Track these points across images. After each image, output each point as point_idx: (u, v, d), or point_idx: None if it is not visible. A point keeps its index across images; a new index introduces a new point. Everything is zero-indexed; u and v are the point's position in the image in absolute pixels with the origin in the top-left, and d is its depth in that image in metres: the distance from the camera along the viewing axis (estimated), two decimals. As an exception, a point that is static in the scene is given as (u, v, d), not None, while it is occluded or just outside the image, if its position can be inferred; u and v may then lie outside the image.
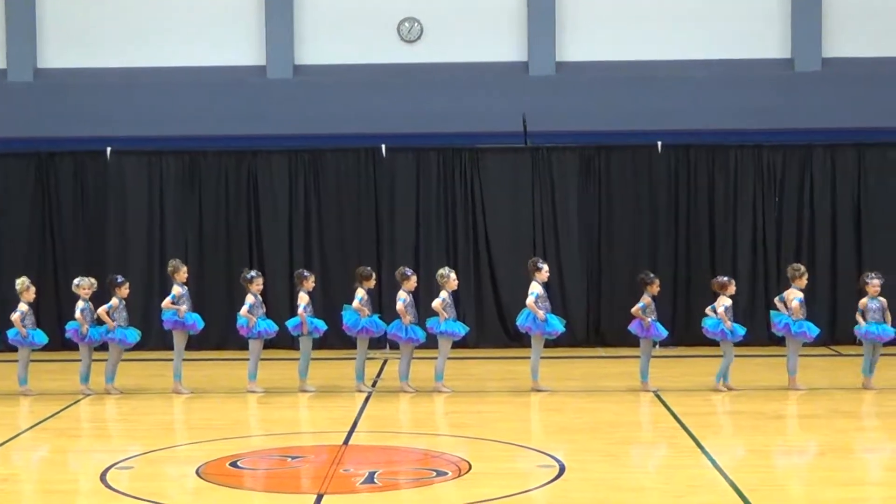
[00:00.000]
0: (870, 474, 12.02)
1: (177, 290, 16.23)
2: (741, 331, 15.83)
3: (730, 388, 15.78)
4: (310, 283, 16.37)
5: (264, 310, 16.42)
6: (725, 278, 16.15)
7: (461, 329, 16.22)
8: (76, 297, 16.19)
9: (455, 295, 16.36)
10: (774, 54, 21.87)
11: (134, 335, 16.23)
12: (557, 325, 16.07)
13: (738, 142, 20.83)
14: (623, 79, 21.54)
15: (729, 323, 15.66)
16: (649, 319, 15.83)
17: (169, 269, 16.60)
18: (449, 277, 16.13)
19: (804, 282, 16.07)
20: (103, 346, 16.32)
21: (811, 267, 19.91)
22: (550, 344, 16.63)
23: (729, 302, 15.85)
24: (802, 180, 20.72)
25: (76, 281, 16.28)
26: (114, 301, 16.06)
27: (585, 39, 21.93)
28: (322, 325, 16.41)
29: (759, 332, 17.25)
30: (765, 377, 16.79)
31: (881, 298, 16.00)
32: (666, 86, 21.42)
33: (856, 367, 16.62)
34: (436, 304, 15.93)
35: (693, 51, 21.76)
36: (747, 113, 21.18)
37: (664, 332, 16.11)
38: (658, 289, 16.10)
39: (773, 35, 21.85)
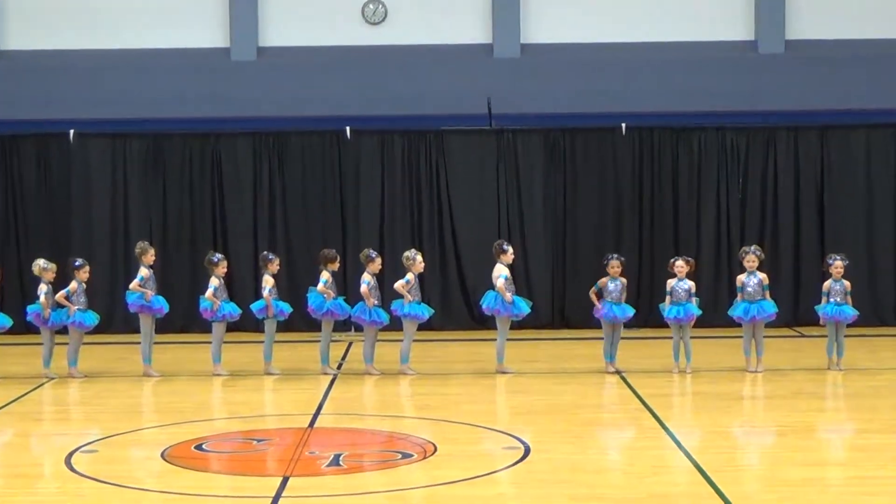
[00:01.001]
0: (832, 455, 12.10)
1: (144, 272, 16.17)
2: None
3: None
4: (274, 265, 16.34)
5: (226, 293, 16.40)
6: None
7: (426, 311, 16.23)
8: (39, 281, 16.12)
9: (420, 277, 16.37)
10: (738, 36, 21.91)
11: (92, 318, 16.16)
12: (524, 307, 16.12)
13: (702, 124, 20.92)
14: (588, 61, 21.56)
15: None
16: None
17: (136, 251, 16.53)
18: (415, 260, 16.12)
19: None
20: (64, 330, 16.27)
21: (774, 248, 20.11)
22: (515, 326, 16.69)
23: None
24: (766, 162, 20.83)
25: (42, 264, 16.18)
26: (73, 284, 15.98)
27: (550, 21, 21.93)
28: (287, 308, 16.40)
29: (721, 313, 17.31)
30: (726, 359, 16.84)
31: (844, 280, 16.09)
32: (630, 68, 21.46)
33: (819, 349, 16.72)
34: (398, 285, 15.93)
35: (657, 33, 21.78)
36: (711, 95, 21.23)
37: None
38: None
39: (737, 17, 21.90)
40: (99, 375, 16.30)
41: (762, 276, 16.02)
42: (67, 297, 15.89)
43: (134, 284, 16.13)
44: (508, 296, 15.95)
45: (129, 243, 19.99)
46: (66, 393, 15.37)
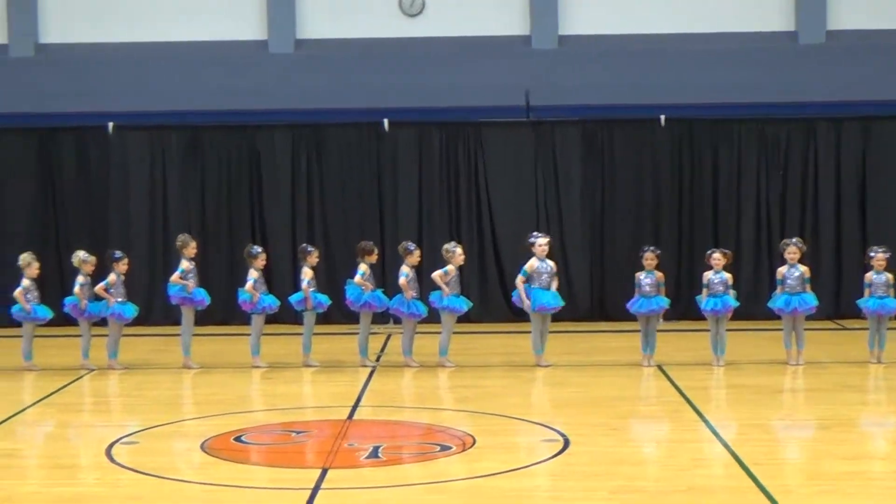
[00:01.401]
0: (874, 448, 12.06)
1: (185, 264, 16.26)
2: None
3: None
4: (313, 258, 16.40)
5: (265, 286, 16.46)
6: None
7: (464, 304, 16.25)
8: (78, 272, 16.23)
9: (459, 270, 16.37)
10: (778, 27, 21.81)
11: (131, 310, 16.27)
12: (554, 301, 16.06)
13: (742, 115, 20.83)
14: (626, 52, 21.50)
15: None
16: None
17: (178, 243, 16.61)
18: (455, 252, 16.13)
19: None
20: (103, 322, 16.37)
21: (815, 241, 20.01)
22: (554, 318, 16.62)
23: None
24: (806, 154, 20.74)
25: (82, 256, 16.29)
26: (111, 277, 16.09)
27: (588, 13, 21.88)
28: (325, 300, 16.45)
29: (761, 305, 17.24)
30: (766, 352, 16.80)
31: (887, 273, 16.00)
32: (669, 59, 21.38)
33: (861, 342, 16.65)
34: (435, 274, 15.96)
35: (696, 24, 21.70)
36: (751, 86, 21.12)
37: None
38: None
39: (777, 8, 21.80)
40: (138, 367, 16.40)
41: (804, 268, 15.96)
42: (106, 290, 16.00)
43: (175, 277, 16.22)
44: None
45: (168, 236, 20.12)
46: (106, 384, 15.47)
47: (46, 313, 16.33)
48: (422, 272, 16.98)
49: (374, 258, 16.37)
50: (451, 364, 16.08)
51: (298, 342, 16.48)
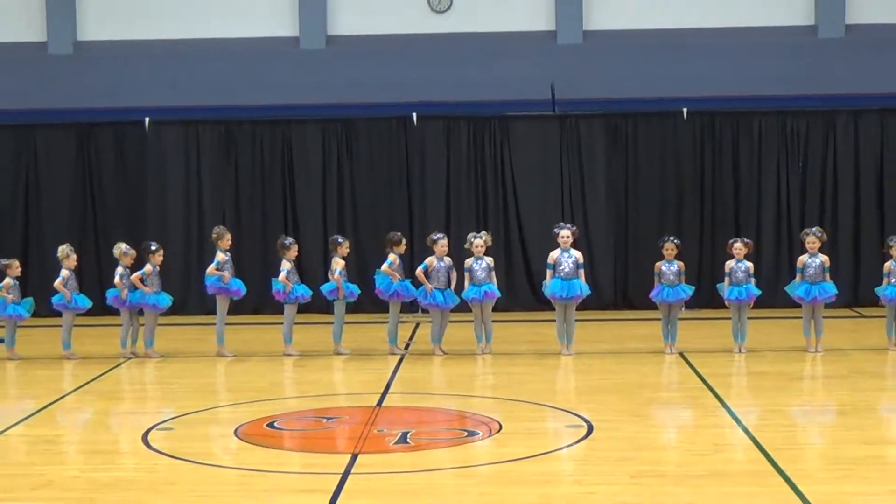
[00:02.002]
0: (893, 433, 12.04)
1: (221, 256, 16.32)
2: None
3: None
4: (344, 248, 16.43)
5: (297, 276, 16.51)
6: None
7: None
8: (118, 263, 16.31)
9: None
10: (798, 21, 21.73)
11: (166, 300, 16.35)
12: (563, 291, 16.04)
13: (763, 108, 20.78)
14: (649, 46, 21.46)
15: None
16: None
17: (213, 235, 16.66)
18: (472, 243, 16.17)
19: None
20: (140, 312, 16.45)
21: (834, 230, 19.95)
22: (580, 307, 16.60)
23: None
24: (826, 145, 20.68)
25: (123, 248, 16.37)
26: (147, 267, 16.16)
27: (612, 8, 21.84)
28: (356, 290, 16.48)
29: (782, 294, 17.19)
30: (786, 339, 16.77)
31: (904, 262, 15.96)
32: (691, 53, 21.33)
33: (879, 329, 16.60)
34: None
35: (717, 18, 21.65)
36: (771, 79, 21.07)
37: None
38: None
39: (797, 2, 21.71)
40: (174, 355, 16.46)
41: (824, 258, 15.91)
42: (142, 280, 16.07)
43: (211, 268, 16.28)
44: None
45: (203, 228, 20.20)
46: (143, 372, 15.54)
47: (85, 303, 16.43)
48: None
49: (402, 248, 16.38)
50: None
51: (329, 331, 16.52)
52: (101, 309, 17.31)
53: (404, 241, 16.52)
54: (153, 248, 16.34)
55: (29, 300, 16.41)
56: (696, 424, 12.20)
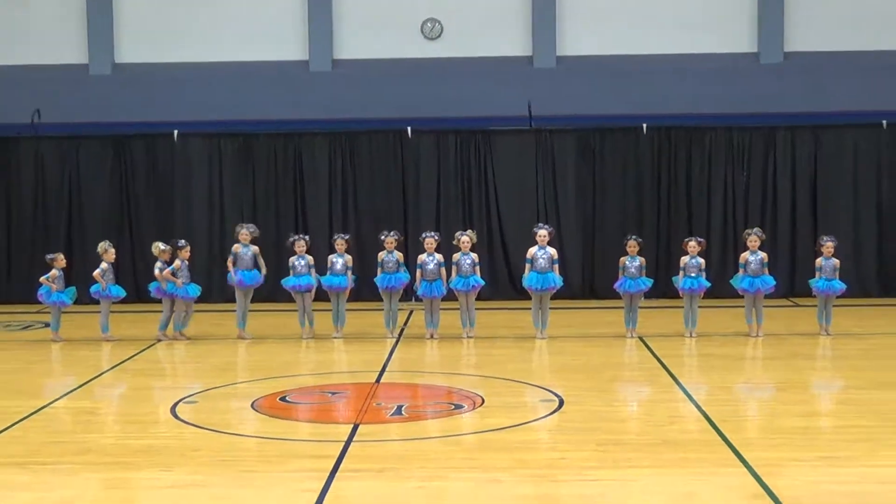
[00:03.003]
0: (822, 407, 12.07)
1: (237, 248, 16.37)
2: None
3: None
4: (340, 244, 16.42)
5: (294, 269, 16.41)
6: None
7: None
8: (154, 258, 16.30)
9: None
10: (743, 49, 21.76)
11: (195, 290, 16.33)
12: (538, 282, 16.01)
13: (712, 124, 20.79)
14: (614, 70, 21.47)
15: None
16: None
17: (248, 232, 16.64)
18: (459, 240, 16.14)
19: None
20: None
21: (773, 231, 20.00)
22: (553, 297, 16.58)
23: None
24: (767, 157, 20.71)
25: (161, 246, 16.37)
26: (177, 262, 16.15)
27: (582, 37, 21.84)
28: (347, 281, 16.35)
29: (727, 286, 17.21)
30: (731, 326, 16.78)
31: (834, 258, 15.99)
32: (650, 76, 21.34)
33: (811, 317, 16.64)
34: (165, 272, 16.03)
35: (673, 46, 21.66)
36: (720, 100, 21.10)
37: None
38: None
39: (742, 32, 21.74)
40: (200, 339, 16.45)
41: (763, 254, 15.95)
42: (173, 273, 16.05)
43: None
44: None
45: (224, 227, 20.20)
46: (172, 353, 15.53)
47: (120, 292, 16.40)
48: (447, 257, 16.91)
49: (392, 245, 16.24)
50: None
51: (329, 317, 16.45)
52: (136, 297, 17.28)
53: (396, 239, 16.32)
54: (181, 244, 16.33)
55: (72, 289, 16.38)
56: (653, 399, 12.22)
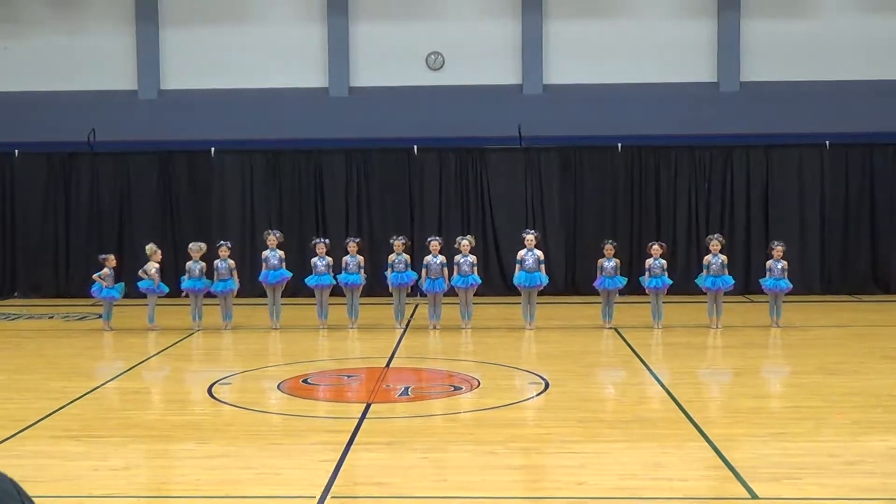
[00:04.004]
0: (773, 389, 12.07)
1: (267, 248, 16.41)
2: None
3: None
4: (353, 246, 16.42)
5: (316, 269, 16.38)
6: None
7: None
8: (196, 258, 16.30)
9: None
10: (705, 78, 21.71)
11: (232, 285, 16.32)
12: (527, 280, 15.96)
13: (678, 144, 20.79)
14: (593, 96, 21.46)
15: None
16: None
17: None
18: (459, 243, 16.14)
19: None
20: (209, 295, 16.42)
21: (731, 236, 19.97)
22: (540, 293, 16.56)
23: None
24: (725, 173, 20.72)
25: (197, 245, 16.39)
26: (219, 261, 16.17)
27: (565, 68, 21.82)
28: (359, 280, 16.34)
29: (691, 285, 17.18)
30: (694, 319, 16.77)
31: (783, 261, 15.98)
32: (624, 102, 21.32)
33: (763, 312, 16.63)
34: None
35: (644, 76, 21.63)
36: (684, 122, 21.07)
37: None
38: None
39: (703, 64, 21.71)
40: (234, 328, 16.43)
41: (723, 257, 15.93)
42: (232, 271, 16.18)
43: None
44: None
45: (255, 232, 20.17)
46: (209, 341, 15.53)
47: (164, 288, 16.39)
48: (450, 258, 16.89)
49: (401, 248, 16.26)
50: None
51: (345, 311, 16.46)
52: (177, 293, 17.25)
53: (405, 243, 16.32)
54: (220, 246, 16.35)
55: (121, 285, 16.37)
56: (626, 382, 12.23)
